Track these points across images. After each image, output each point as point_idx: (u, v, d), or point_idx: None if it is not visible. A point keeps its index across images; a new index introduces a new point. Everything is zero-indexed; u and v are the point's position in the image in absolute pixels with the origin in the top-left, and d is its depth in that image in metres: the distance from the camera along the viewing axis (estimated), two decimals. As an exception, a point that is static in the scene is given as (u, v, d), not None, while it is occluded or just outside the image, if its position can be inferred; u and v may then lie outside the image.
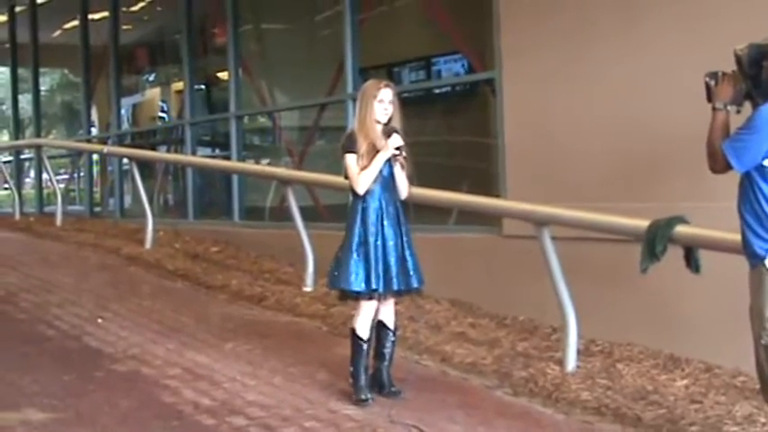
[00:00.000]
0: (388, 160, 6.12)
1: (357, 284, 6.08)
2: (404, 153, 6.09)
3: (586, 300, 6.99)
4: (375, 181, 6.11)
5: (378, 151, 6.09)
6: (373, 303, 6.19)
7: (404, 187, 6.25)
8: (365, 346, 6.19)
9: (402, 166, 6.18)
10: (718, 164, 4.72)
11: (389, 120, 6.15)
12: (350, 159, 6.13)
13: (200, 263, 11.37)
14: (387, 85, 6.20)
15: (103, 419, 5.78)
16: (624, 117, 7.51)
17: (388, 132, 6.11)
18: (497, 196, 8.49)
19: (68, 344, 7.83)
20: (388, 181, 6.17)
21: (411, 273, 6.18)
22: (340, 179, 6.48)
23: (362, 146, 6.10)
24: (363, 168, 6.08)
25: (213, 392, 6.39)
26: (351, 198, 6.29)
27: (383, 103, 6.13)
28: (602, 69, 7.76)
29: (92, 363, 7.15)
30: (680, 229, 5.92)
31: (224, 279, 10.40)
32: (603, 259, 7.31)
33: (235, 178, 13.02)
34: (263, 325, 8.52)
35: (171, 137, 16.77)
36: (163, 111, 17.85)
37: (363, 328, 6.19)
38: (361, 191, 6.10)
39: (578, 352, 6.97)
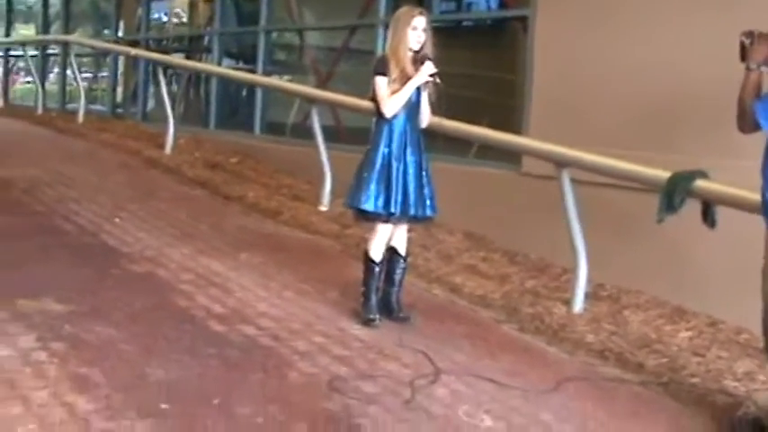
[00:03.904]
0: (418, 87, 6.16)
1: (375, 206, 6.14)
2: (437, 80, 6.12)
3: (599, 244, 7.05)
4: (403, 106, 6.16)
5: (408, 78, 6.12)
6: (388, 227, 6.26)
7: (427, 115, 6.31)
8: (377, 269, 6.28)
9: (430, 94, 6.23)
10: (747, 123, 4.75)
11: (421, 47, 6.18)
12: (380, 81, 6.16)
13: (219, 172, 11.43)
14: (421, 13, 6.20)
15: (118, 316, 5.89)
16: (656, 67, 7.50)
17: (421, 59, 6.13)
18: (519, 134, 8.52)
19: (86, 239, 7.96)
20: (414, 108, 6.21)
21: (427, 201, 6.24)
22: (366, 102, 6.50)
23: (394, 71, 6.13)
24: (394, 93, 6.12)
25: (225, 300, 6.51)
26: (375, 120, 6.32)
27: (416, 30, 6.14)
28: (638, 16, 7.74)
29: (109, 260, 7.28)
30: (700, 183, 5.96)
31: (241, 190, 10.47)
32: (620, 206, 7.36)
33: (259, 92, 13.04)
34: (278, 239, 8.62)
35: (198, 45, 16.71)
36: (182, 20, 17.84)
37: (377, 251, 6.27)
38: (389, 114, 6.14)
39: (586, 295, 7.05)
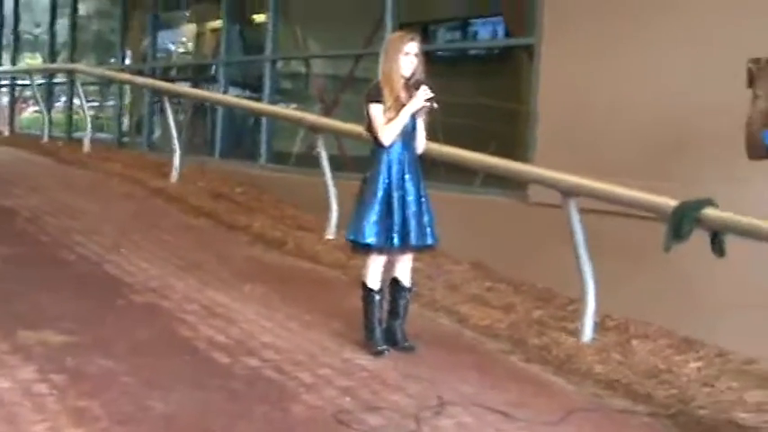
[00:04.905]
0: (413, 114, 6.09)
1: (377, 239, 6.07)
2: (434, 104, 6.05)
3: (606, 273, 6.97)
4: (399, 134, 6.09)
5: (403, 105, 6.05)
6: (382, 256, 6.20)
7: (422, 141, 6.25)
8: (377, 298, 6.20)
9: (424, 120, 6.16)
10: (757, 151, 4.71)
11: (413, 73, 6.11)
12: (376, 110, 6.09)
13: (224, 202, 11.37)
14: (412, 39, 6.13)
15: (118, 348, 5.83)
16: (661, 96, 7.48)
17: (416, 85, 6.07)
18: (526, 162, 8.46)
19: (90, 270, 7.91)
20: (410, 135, 6.15)
21: (427, 229, 6.16)
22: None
23: (388, 99, 6.06)
24: (390, 121, 6.05)
25: (229, 331, 6.45)
26: (372, 149, 6.23)
27: (409, 56, 6.08)
28: (643, 47, 7.71)
29: (112, 291, 7.23)
30: (708, 212, 5.89)
31: (246, 220, 10.40)
32: (626, 235, 7.30)
33: (264, 121, 13.01)
34: (283, 269, 8.57)
35: (204, 75, 16.73)
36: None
37: (374, 279, 6.20)
38: (387, 142, 6.07)
39: (594, 325, 6.99)
